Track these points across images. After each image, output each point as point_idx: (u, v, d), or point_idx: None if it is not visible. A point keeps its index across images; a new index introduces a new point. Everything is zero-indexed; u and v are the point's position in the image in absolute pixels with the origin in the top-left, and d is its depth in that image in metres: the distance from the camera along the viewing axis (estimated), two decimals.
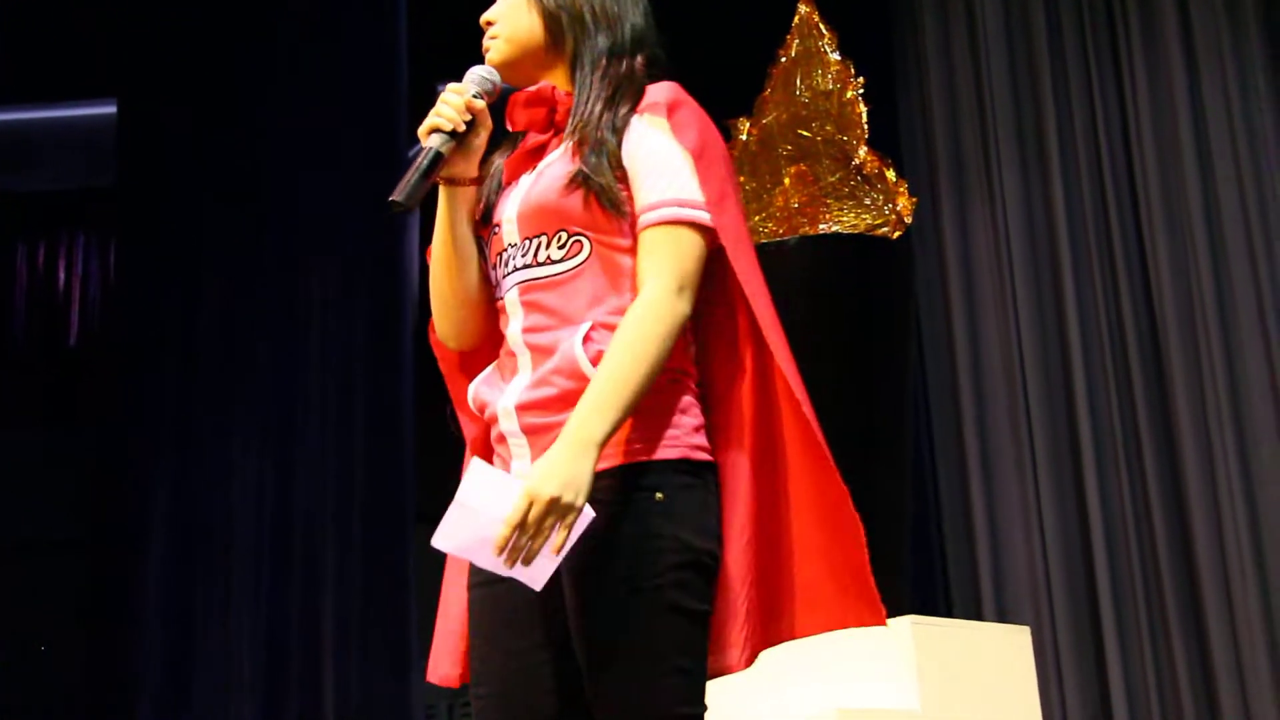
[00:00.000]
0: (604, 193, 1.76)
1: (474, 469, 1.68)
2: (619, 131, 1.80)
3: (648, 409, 1.73)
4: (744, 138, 4.09)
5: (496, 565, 1.65)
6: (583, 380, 1.70)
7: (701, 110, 1.85)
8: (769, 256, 3.83)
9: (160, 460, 5.20)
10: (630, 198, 1.79)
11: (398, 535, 5.18)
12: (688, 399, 1.79)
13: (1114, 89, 4.84)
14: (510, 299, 1.80)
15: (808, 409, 1.82)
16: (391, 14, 5.52)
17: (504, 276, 1.82)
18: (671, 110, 1.82)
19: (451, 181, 1.85)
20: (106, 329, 5.90)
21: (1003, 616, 4.51)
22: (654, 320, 1.70)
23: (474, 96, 1.83)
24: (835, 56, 4.08)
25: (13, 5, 5.40)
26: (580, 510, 1.63)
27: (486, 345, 1.90)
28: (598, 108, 1.82)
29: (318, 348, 5.33)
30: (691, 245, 1.75)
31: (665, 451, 1.73)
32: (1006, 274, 4.81)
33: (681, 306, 1.72)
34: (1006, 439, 4.72)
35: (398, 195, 1.75)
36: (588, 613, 1.69)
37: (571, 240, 1.78)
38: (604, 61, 1.86)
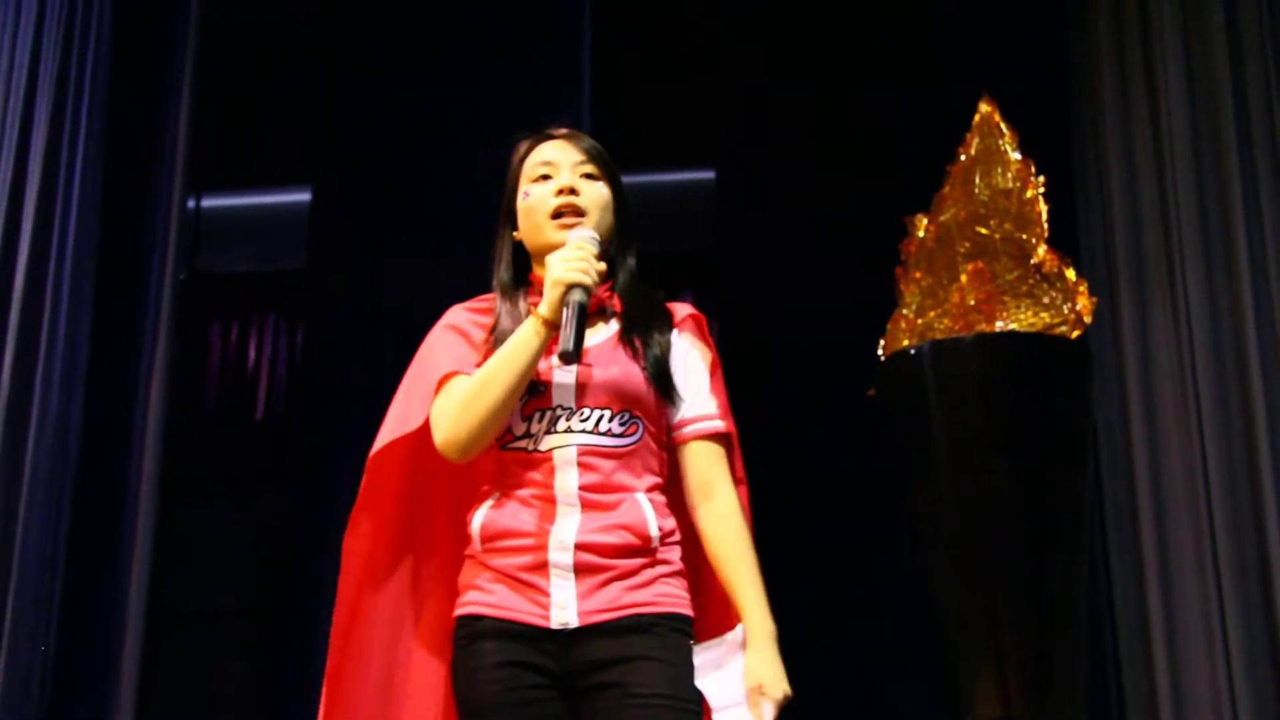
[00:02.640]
0: (667, 392, 2.09)
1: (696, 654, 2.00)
2: (668, 342, 2.12)
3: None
4: (921, 234, 4.10)
5: None
6: (645, 539, 2.01)
7: (706, 328, 2.22)
8: (945, 353, 3.84)
9: (336, 534, 5.33)
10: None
11: None
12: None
13: None
14: (563, 456, 2.03)
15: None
16: (575, 106, 5.67)
17: (547, 432, 2.05)
18: (701, 332, 2.18)
19: (556, 326, 2.07)
20: (292, 406, 6.11)
21: None
22: (744, 528, 2.08)
23: (598, 255, 2.09)
24: (1015, 155, 4.07)
25: (216, 102, 5.70)
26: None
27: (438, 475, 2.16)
28: (645, 312, 2.14)
29: None
30: (722, 452, 2.14)
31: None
32: (1189, 377, 4.67)
33: (742, 508, 2.12)
34: (1188, 549, 4.56)
35: (569, 346, 1.97)
36: None
37: (631, 420, 2.06)
38: (635, 272, 2.18)
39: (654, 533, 2.01)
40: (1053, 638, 3.63)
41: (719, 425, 2.10)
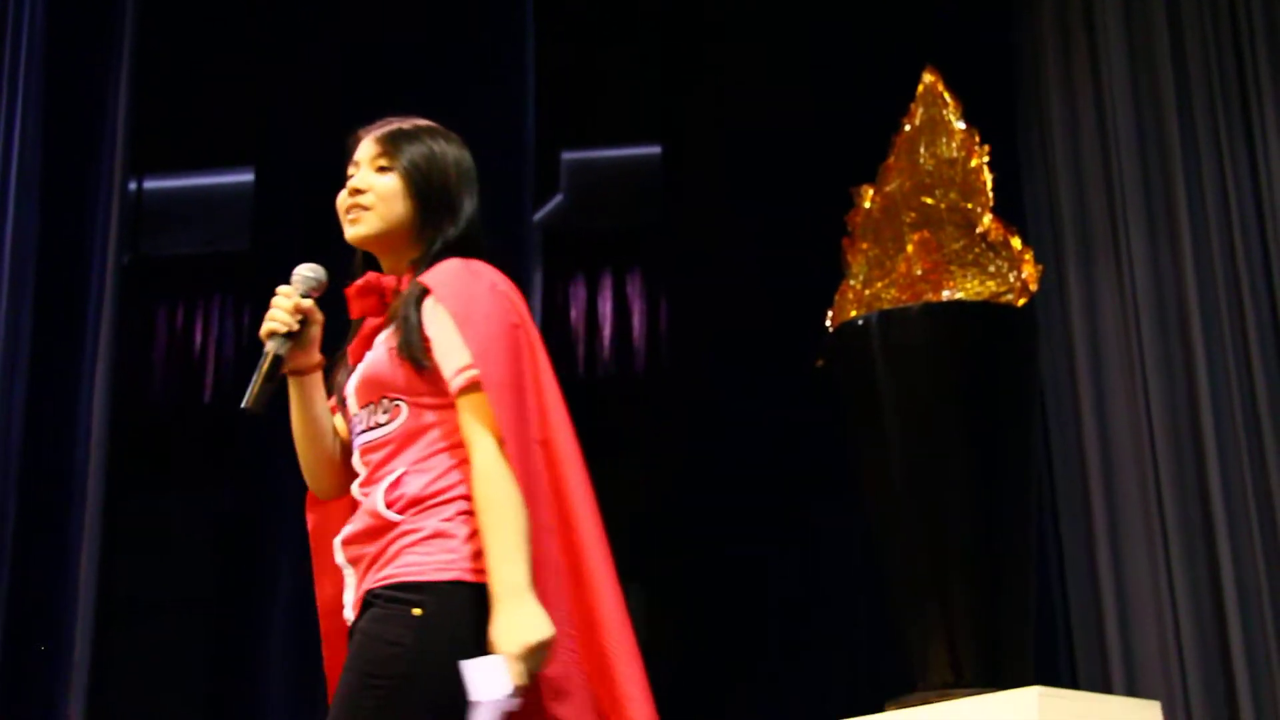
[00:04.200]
0: (413, 358, 2.02)
1: (466, 670, 1.84)
2: (416, 312, 2.04)
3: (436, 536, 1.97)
4: (867, 205, 4.10)
5: None
6: (379, 517, 1.97)
7: (472, 271, 2.06)
8: (893, 323, 3.86)
9: (286, 524, 5.30)
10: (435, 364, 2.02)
11: None
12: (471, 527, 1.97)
13: (1245, 151, 4.76)
14: (355, 461, 2.08)
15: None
16: (520, 83, 5.63)
17: (355, 447, 2.09)
18: (446, 284, 2.04)
19: (297, 372, 2.12)
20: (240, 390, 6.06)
21: (1132, 691, 4.40)
22: (491, 483, 1.92)
23: (302, 296, 2.11)
24: (960, 125, 4.09)
25: (156, 83, 5.62)
26: (551, 639, 1.85)
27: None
28: (409, 293, 2.07)
29: None
30: (482, 400, 1.97)
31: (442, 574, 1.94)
32: (1135, 342, 4.73)
33: (501, 458, 1.93)
34: (1136, 510, 4.62)
35: (247, 403, 2.02)
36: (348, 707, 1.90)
37: (393, 404, 2.05)
38: (441, 250, 2.11)
39: (382, 508, 1.98)
40: (1003, 603, 3.66)
41: (464, 378, 1.97)
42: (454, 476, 1.99)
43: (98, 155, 5.07)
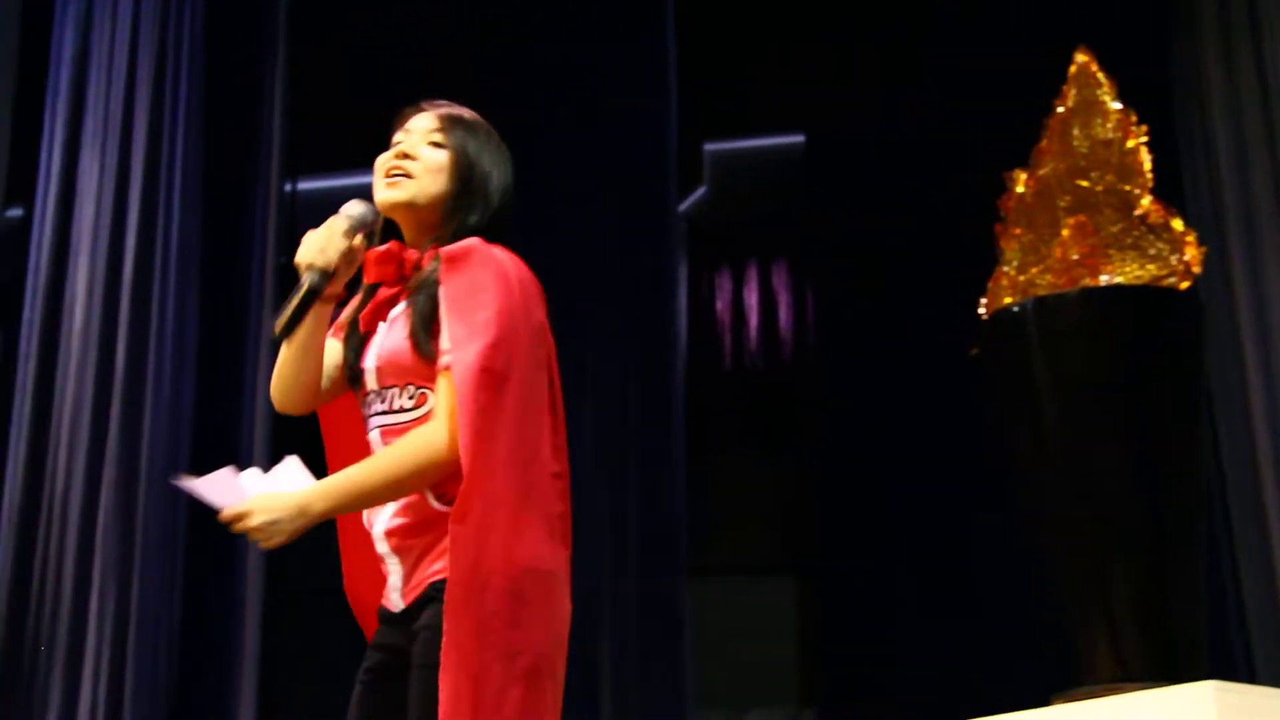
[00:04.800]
0: (425, 353, 2.03)
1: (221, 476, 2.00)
2: (432, 298, 2.05)
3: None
4: (1020, 189, 4.03)
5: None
6: (428, 509, 2.00)
7: (485, 254, 2.06)
8: (1049, 309, 3.78)
9: None
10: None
11: (670, 586, 5.24)
12: None
13: None
14: (373, 439, 2.08)
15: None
16: (660, 89, 5.63)
17: (367, 418, 2.11)
18: (452, 266, 2.04)
19: (323, 301, 2.11)
20: None
21: None
22: (414, 450, 1.98)
23: (348, 232, 2.10)
24: (1115, 105, 3.99)
25: (309, 86, 5.76)
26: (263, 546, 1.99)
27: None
28: (428, 274, 2.07)
29: (590, 402, 5.44)
30: (450, 384, 1.99)
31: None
32: None
33: (448, 442, 1.96)
34: None
35: (278, 330, 2.06)
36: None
37: (418, 391, 2.05)
38: (468, 231, 2.11)
39: (432, 500, 2.01)
40: (1170, 594, 3.57)
41: (442, 363, 2.00)
42: None
43: (255, 159, 5.22)
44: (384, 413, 2.07)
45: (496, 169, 2.19)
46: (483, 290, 2.00)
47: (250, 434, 4.89)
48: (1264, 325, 4.65)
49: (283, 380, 2.18)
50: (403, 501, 2.02)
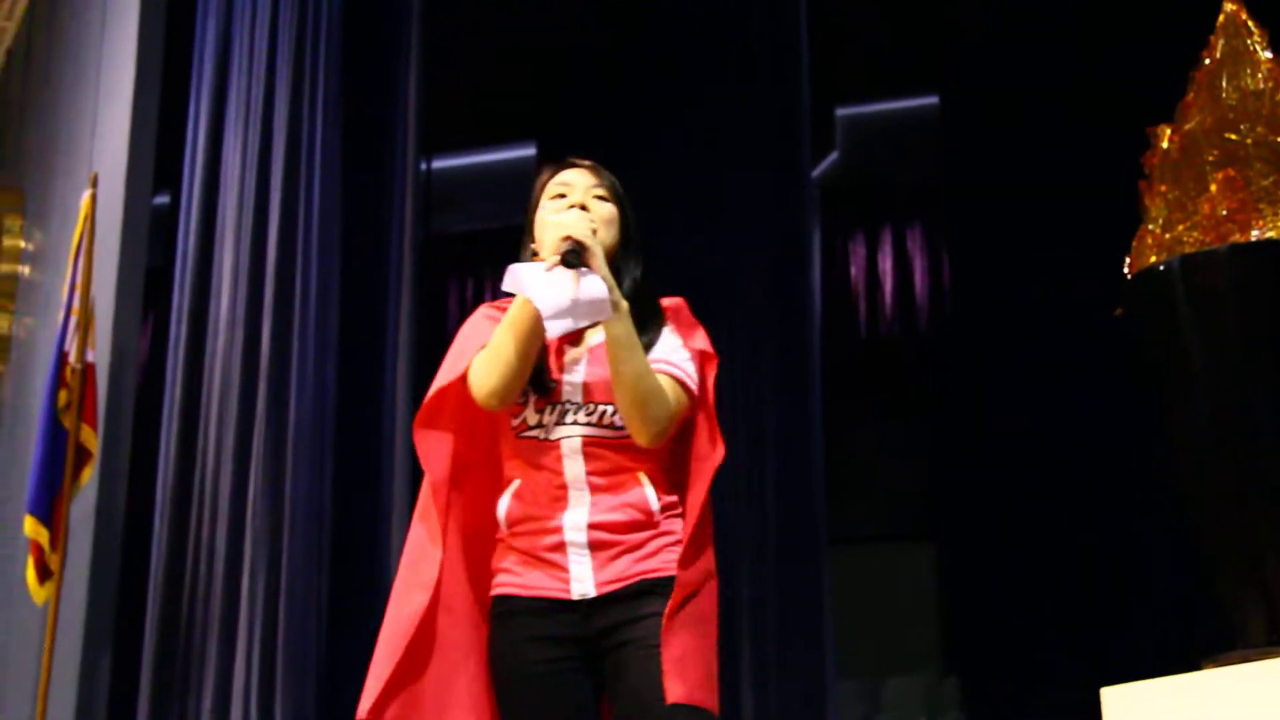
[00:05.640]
0: None
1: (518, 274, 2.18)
2: (660, 339, 2.33)
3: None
4: (1165, 145, 3.92)
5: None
6: (649, 514, 2.26)
7: (693, 319, 2.39)
8: (1197, 266, 3.67)
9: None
10: None
11: (810, 556, 5.23)
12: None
13: None
14: (570, 445, 2.27)
15: None
16: (793, 57, 5.59)
17: (557, 423, 2.28)
18: (678, 319, 2.36)
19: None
20: None
21: None
22: (664, 392, 2.25)
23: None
24: (1266, 55, 3.86)
25: (443, 66, 5.83)
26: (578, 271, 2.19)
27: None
28: (643, 314, 2.30)
29: (726, 372, 5.43)
30: (674, 390, 2.28)
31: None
32: None
33: (669, 421, 2.25)
34: None
35: (562, 260, 2.18)
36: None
37: None
38: (640, 282, 2.35)
39: (655, 508, 2.25)
40: None
41: (673, 370, 2.26)
42: (676, 493, 2.31)
43: (393, 138, 5.31)
44: (591, 425, 2.27)
45: (636, 226, 2.39)
46: (697, 342, 2.33)
47: (392, 411, 4.99)
48: None
49: (510, 377, 2.26)
50: (622, 500, 2.25)
